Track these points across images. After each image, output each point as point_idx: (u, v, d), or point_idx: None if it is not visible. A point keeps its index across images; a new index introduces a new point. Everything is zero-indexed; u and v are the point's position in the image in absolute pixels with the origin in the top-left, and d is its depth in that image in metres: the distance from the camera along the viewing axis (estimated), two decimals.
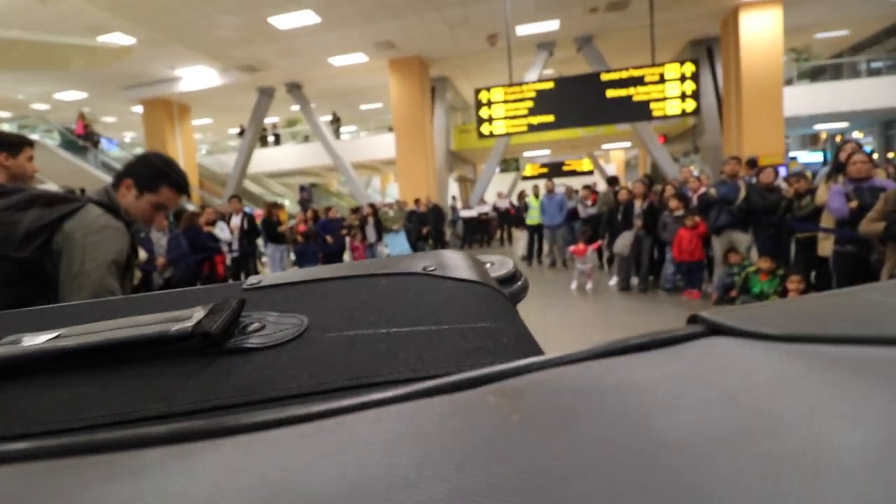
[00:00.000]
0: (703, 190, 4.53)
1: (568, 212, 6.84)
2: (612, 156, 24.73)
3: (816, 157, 16.34)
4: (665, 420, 0.13)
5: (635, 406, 0.14)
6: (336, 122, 14.72)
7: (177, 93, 12.02)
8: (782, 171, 8.58)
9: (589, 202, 6.66)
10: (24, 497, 0.14)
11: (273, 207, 6.28)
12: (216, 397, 0.27)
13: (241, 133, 15.42)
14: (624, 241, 5.01)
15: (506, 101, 7.93)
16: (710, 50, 11.06)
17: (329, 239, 6.53)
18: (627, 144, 17.44)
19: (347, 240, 7.05)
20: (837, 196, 2.80)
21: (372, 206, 7.55)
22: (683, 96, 7.38)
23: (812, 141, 17.99)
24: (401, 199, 10.15)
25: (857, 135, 14.63)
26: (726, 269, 4.17)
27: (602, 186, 9.41)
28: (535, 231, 7.63)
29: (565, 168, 19.73)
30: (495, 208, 11.45)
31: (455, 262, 0.42)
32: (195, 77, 11.43)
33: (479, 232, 11.36)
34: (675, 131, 13.66)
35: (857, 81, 12.32)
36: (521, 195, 10.73)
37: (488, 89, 7.99)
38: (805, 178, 3.64)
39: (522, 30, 9.52)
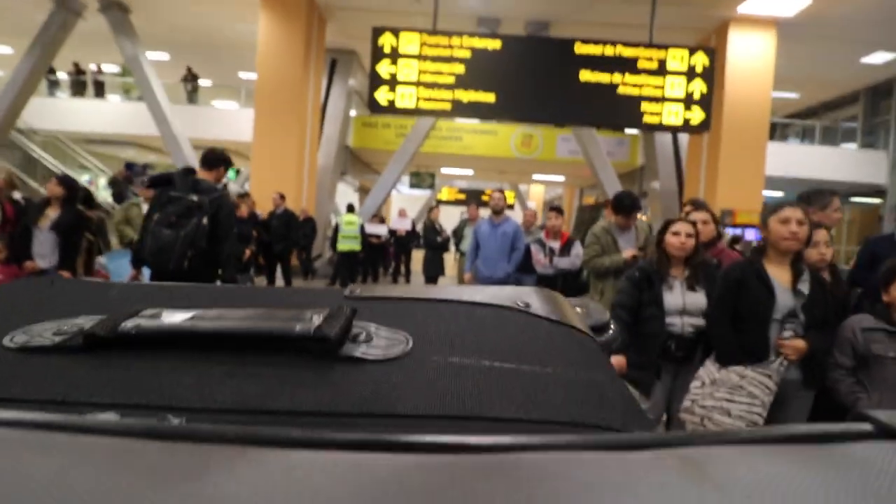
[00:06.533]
0: None
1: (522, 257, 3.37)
2: (532, 193, 22.94)
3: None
4: None
5: None
6: (192, 79, 10.56)
7: None
8: (756, 235, 6.51)
9: (556, 244, 3.27)
10: (174, 471, 0.16)
11: None
12: (338, 404, 0.29)
13: (52, 71, 10.66)
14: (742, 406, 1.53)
15: (422, 57, 4.79)
16: None
17: None
18: (561, 178, 15.27)
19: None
20: None
21: (65, 181, 3.14)
22: (689, 101, 4.83)
23: None
24: (253, 196, 6.46)
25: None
26: None
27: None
28: None
29: (485, 198, 17.22)
30: (392, 231, 8.20)
31: (551, 303, 0.43)
32: None
33: (367, 263, 7.94)
34: (617, 171, 11.61)
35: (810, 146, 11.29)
36: (432, 213, 7.59)
37: (396, 33, 4.80)
38: None
39: None
